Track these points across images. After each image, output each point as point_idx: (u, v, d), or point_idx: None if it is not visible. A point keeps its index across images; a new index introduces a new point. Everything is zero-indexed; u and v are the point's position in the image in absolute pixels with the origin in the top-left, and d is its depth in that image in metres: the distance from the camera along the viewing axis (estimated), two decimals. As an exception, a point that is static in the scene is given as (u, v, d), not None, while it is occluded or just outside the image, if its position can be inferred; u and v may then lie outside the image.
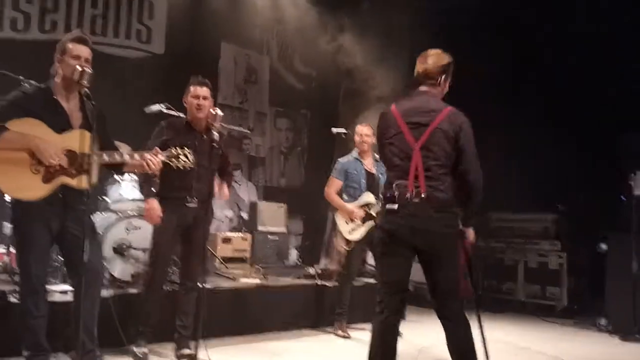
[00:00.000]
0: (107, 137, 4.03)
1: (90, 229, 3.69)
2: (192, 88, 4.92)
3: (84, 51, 3.81)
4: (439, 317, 3.78)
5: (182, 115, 5.21)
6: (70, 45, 3.80)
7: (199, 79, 4.97)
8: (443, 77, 3.90)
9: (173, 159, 4.02)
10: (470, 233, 3.91)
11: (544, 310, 8.45)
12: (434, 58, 3.89)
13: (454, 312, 3.74)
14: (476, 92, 8.14)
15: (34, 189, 3.63)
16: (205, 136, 4.89)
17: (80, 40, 3.84)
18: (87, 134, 3.70)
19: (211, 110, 4.85)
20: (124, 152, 4.06)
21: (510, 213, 9.30)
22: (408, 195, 3.67)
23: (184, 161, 4.04)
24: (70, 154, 3.71)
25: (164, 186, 4.83)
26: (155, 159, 3.91)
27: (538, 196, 8.88)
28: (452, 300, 3.76)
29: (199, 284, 4.87)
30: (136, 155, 3.91)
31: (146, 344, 4.85)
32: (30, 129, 3.63)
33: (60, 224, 3.74)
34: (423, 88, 3.90)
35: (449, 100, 3.89)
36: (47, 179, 3.65)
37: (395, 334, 3.79)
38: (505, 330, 7.16)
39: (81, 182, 3.70)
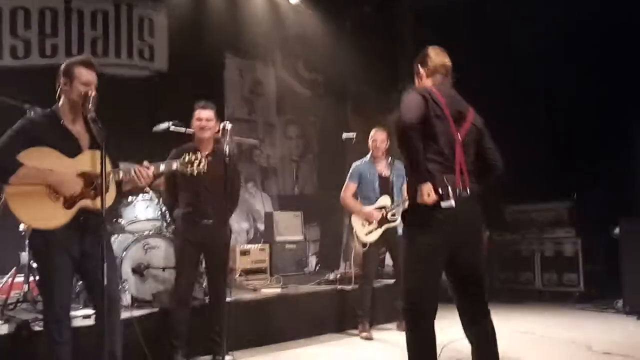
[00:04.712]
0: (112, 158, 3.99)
1: (109, 253, 3.66)
2: (195, 112, 5.08)
3: (92, 76, 3.74)
4: (472, 316, 3.64)
5: (190, 130, 5.26)
6: (78, 70, 3.71)
7: (202, 103, 5.11)
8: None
9: (188, 165, 3.98)
10: None
11: (562, 298, 8.43)
12: (448, 57, 3.84)
13: (486, 307, 3.65)
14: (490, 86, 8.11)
15: (57, 216, 3.59)
16: (211, 158, 4.68)
17: (88, 65, 3.75)
18: (98, 154, 3.63)
19: (220, 124, 4.86)
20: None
21: (524, 204, 9.24)
22: (458, 191, 3.51)
23: (198, 166, 3.99)
24: (86, 175, 3.68)
25: (181, 205, 5.11)
26: (144, 171, 3.82)
27: (549, 186, 8.80)
28: (485, 294, 3.67)
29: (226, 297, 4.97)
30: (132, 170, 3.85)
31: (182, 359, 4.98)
32: (43, 158, 3.59)
33: (79, 249, 3.69)
34: (446, 80, 3.79)
35: (466, 91, 3.83)
36: (68, 205, 3.62)
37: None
38: (526, 320, 7.14)
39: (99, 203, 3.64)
